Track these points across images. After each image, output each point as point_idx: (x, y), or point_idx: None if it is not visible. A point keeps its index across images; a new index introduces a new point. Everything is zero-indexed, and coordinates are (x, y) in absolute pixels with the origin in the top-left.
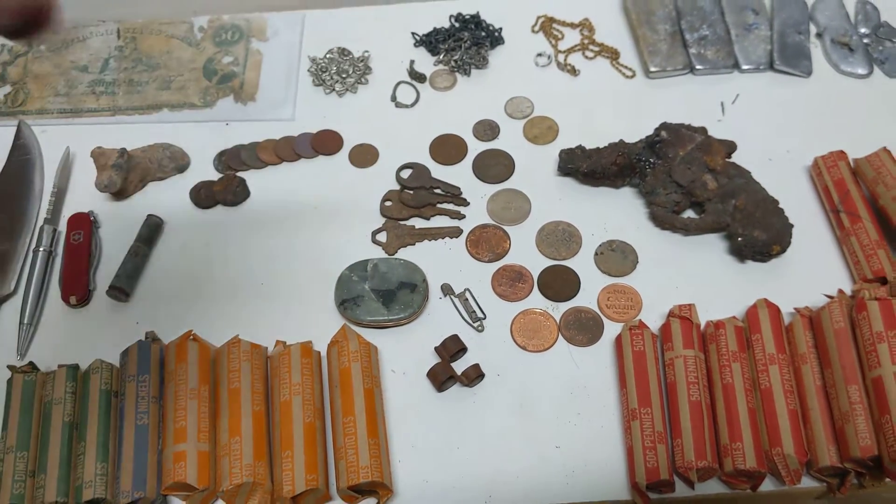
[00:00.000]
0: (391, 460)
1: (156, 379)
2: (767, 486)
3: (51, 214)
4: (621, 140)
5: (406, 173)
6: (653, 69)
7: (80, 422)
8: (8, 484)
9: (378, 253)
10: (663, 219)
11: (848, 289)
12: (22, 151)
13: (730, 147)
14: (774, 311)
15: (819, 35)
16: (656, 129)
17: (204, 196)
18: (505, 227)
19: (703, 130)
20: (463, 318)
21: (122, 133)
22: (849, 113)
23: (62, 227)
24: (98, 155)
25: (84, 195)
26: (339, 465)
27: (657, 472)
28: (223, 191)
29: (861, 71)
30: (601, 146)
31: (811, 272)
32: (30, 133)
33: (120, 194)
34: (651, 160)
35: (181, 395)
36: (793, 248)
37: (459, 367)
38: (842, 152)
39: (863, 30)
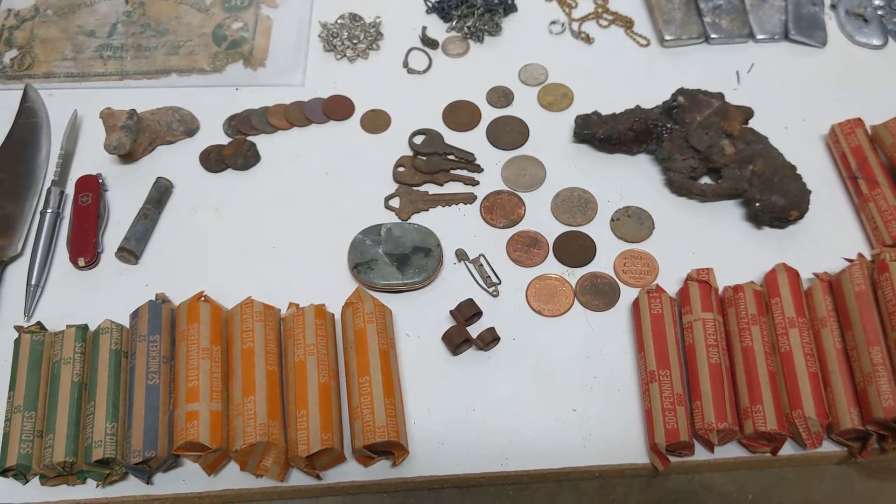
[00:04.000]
0: (406, 422)
1: (167, 339)
2: (787, 450)
3: (58, 177)
4: (638, 106)
5: (419, 139)
6: (668, 38)
7: (89, 382)
8: (15, 444)
9: (391, 218)
10: (680, 185)
11: (867, 254)
12: (29, 114)
13: (747, 113)
14: (793, 275)
15: (833, 6)
16: (673, 94)
17: (214, 160)
18: (519, 194)
19: (720, 96)
20: (478, 283)
21: (131, 97)
22: (864, 83)
23: (70, 189)
24: (107, 116)
25: (92, 158)
26: (355, 425)
27: (677, 433)
28: (233, 154)
29: (876, 42)
30: (617, 112)
31: (828, 239)
32: (37, 96)
33: (128, 157)
34: (668, 125)
35: (193, 354)
36: (809, 216)
37: (474, 331)
38: (859, 119)
39: (877, 1)
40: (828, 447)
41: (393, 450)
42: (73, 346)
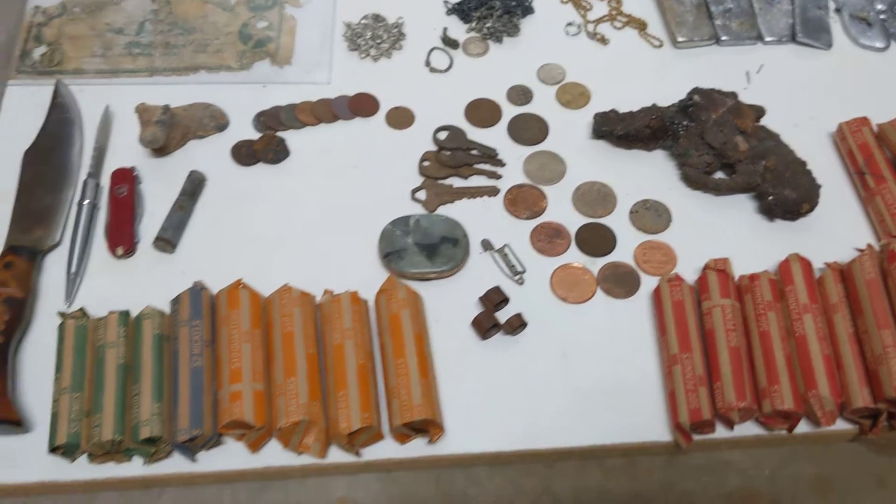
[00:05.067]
0: (439, 403)
1: (208, 324)
2: (802, 429)
3: (93, 169)
4: (654, 104)
5: (443, 135)
6: (680, 39)
7: (133, 365)
8: (64, 423)
9: (418, 210)
10: (696, 179)
11: (875, 246)
12: (61, 110)
13: (759, 111)
14: (806, 264)
15: (838, 10)
16: (689, 93)
17: (245, 154)
18: (541, 187)
19: (733, 95)
20: (503, 271)
21: (160, 93)
22: (868, 83)
23: (105, 181)
24: (142, 111)
25: (124, 152)
26: (393, 405)
27: (699, 412)
28: (264, 149)
29: (879, 44)
30: (634, 110)
31: (837, 232)
32: (67, 92)
33: (161, 151)
34: (684, 123)
35: (235, 338)
36: (819, 209)
37: (502, 317)
38: (865, 118)
39: (879, 6)
40: (840, 425)
41: (428, 428)
42: (116, 331)
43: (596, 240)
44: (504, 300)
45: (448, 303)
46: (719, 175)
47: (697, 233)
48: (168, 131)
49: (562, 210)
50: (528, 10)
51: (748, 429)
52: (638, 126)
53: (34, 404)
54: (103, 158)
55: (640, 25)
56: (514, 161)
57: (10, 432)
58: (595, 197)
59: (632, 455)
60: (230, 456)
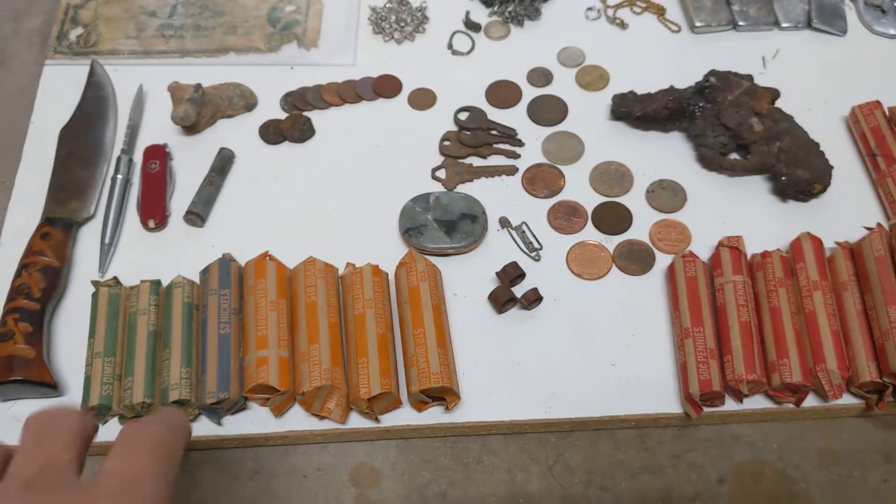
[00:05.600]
0: (456, 372)
1: (235, 293)
2: (810, 402)
3: (127, 146)
4: (672, 86)
5: (463, 115)
6: (698, 24)
7: (163, 331)
8: (97, 386)
9: (438, 188)
10: (711, 160)
11: (885, 225)
12: (96, 88)
13: (774, 94)
14: (817, 242)
15: None
16: (706, 75)
17: (272, 133)
18: (559, 166)
19: (749, 77)
20: (520, 248)
21: (191, 74)
22: (881, 69)
23: (137, 158)
24: (175, 89)
25: (156, 130)
26: (411, 372)
27: (710, 383)
28: (291, 128)
29: (892, 31)
30: (652, 92)
31: (848, 212)
32: (103, 72)
33: (192, 129)
34: (700, 104)
35: (261, 307)
36: (831, 190)
37: (518, 292)
38: (878, 102)
39: None
40: (847, 400)
41: (445, 396)
42: (147, 298)
43: (612, 218)
44: (521, 275)
45: (466, 277)
46: (734, 156)
47: (712, 212)
48: (199, 109)
49: (579, 189)
50: None
51: (757, 402)
52: (656, 107)
53: (68, 368)
54: (136, 135)
55: (659, 10)
56: (533, 141)
57: (45, 395)
58: (612, 176)
59: (643, 427)
60: (254, 420)
